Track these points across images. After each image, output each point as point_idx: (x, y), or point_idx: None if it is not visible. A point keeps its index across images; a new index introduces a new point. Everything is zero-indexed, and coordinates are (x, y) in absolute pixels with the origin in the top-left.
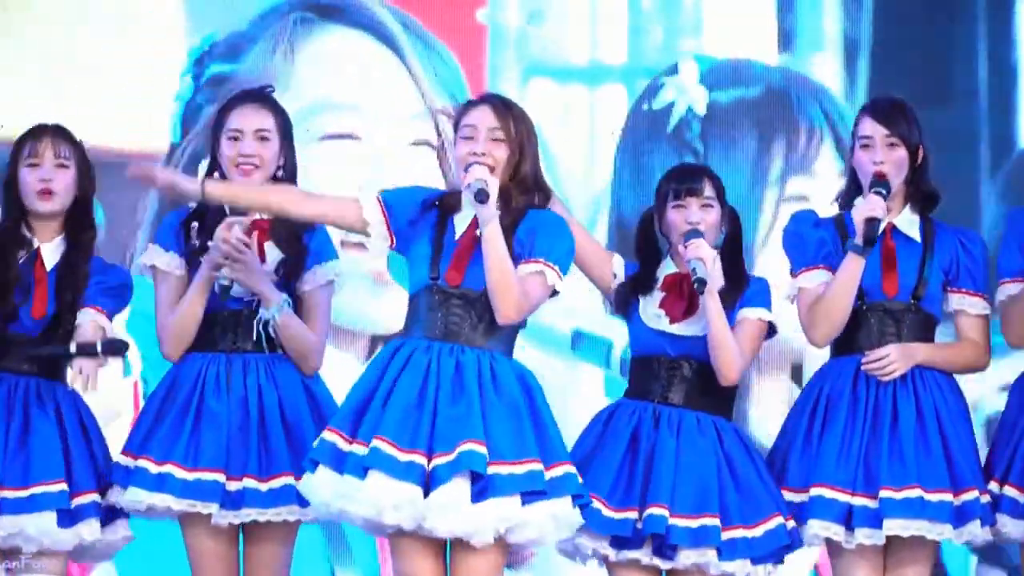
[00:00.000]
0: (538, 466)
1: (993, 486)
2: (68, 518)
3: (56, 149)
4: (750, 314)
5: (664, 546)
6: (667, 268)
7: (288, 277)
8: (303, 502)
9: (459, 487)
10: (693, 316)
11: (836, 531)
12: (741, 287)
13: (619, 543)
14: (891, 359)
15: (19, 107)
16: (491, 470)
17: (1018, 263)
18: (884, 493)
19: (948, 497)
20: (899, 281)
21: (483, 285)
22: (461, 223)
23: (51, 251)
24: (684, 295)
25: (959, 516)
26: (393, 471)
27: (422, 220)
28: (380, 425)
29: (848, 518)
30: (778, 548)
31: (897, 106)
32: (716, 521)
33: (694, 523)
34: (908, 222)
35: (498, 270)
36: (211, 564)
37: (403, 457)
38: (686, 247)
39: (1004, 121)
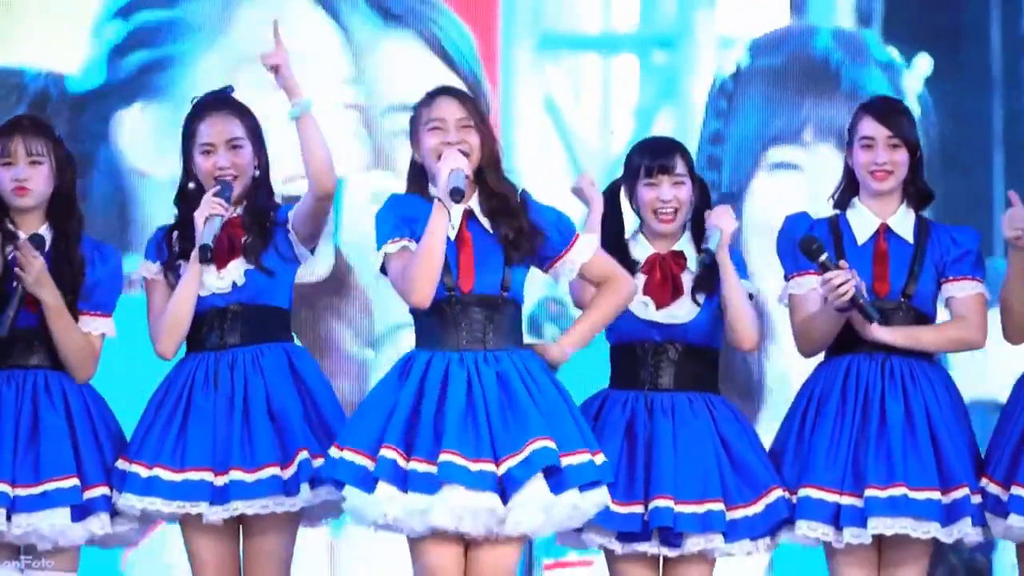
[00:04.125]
0: (591, 456)
1: (982, 482)
2: (79, 512)
3: (28, 146)
4: None
5: (671, 535)
6: (641, 247)
7: (257, 255)
8: (289, 491)
9: (537, 485)
10: (679, 299)
11: (824, 531)
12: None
13: (626, 536)
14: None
15: None
16: (563, 462)
17: None
18: (869, 492)
19: (935, 495)
20: (890, 280)
21: (496, 287)
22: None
23: None
24: (668, 277)
25: (948, 514)
26: (469, 482)
27: (417, 219)
28: (443, 439)
29: (837, 518)
30: (779, 521)
31: (897, 106)
32: (720, 505)
33: (700, 508)
34: (902, 222)
35: None
36: (210, 563)
37: (474, 467)
38: (711, 212)
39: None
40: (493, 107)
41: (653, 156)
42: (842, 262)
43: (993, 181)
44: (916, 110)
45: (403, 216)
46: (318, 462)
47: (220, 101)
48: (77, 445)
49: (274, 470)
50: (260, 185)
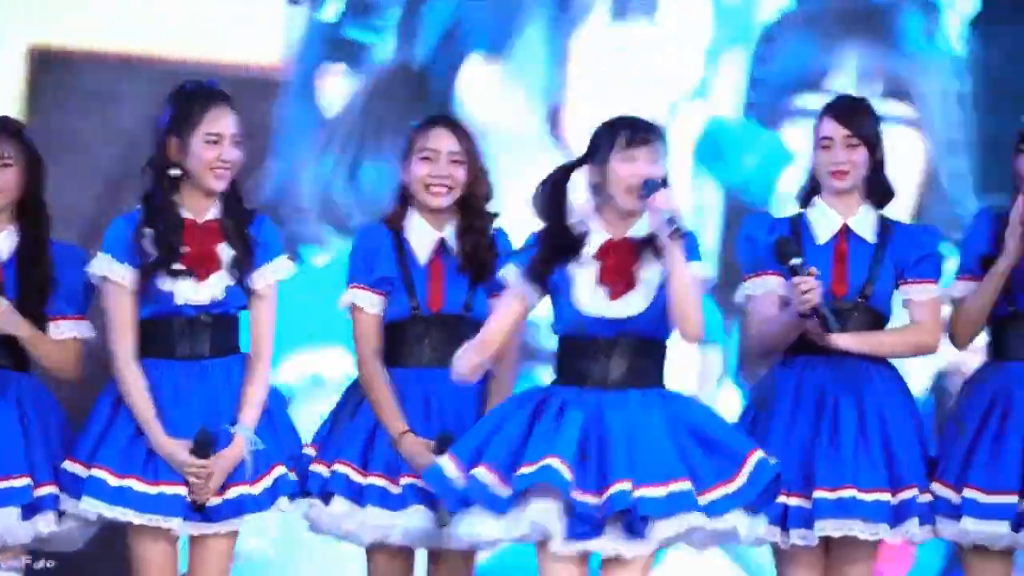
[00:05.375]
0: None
1: (933, 485)
2: (27, 511)
3: None
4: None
5: (634, 524)
6: (595, 234)
7: (241, 271)
8: (261, 507)
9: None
10: (632, 290)
11: (771, 532)
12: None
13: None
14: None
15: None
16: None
17: (973, 262)
18: (818, 494)
19: (885, 496)
20: (849, 281)
21: (460, 308)
22: (418, 243)
23: (2, 241)
24: (626, 265)
25: (896, 515)
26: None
27: (380, 252)
28: (393, 461)
29: (784, 519)
30: (769, 484)
31: (858, 105)
32: (687, 484)
33: (662, 491)
34: (863, 222)
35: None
36: (155, 565)
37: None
38: (654, 197)
39: None
40: None
41: (633, 129)
42: (812, 268)
43: None
44: (959, 50)
45: (367, 260)
46: (293, 475)
47: (220, 94)
48: (28, 443)
49: (242, 488)
50: (235, 186)
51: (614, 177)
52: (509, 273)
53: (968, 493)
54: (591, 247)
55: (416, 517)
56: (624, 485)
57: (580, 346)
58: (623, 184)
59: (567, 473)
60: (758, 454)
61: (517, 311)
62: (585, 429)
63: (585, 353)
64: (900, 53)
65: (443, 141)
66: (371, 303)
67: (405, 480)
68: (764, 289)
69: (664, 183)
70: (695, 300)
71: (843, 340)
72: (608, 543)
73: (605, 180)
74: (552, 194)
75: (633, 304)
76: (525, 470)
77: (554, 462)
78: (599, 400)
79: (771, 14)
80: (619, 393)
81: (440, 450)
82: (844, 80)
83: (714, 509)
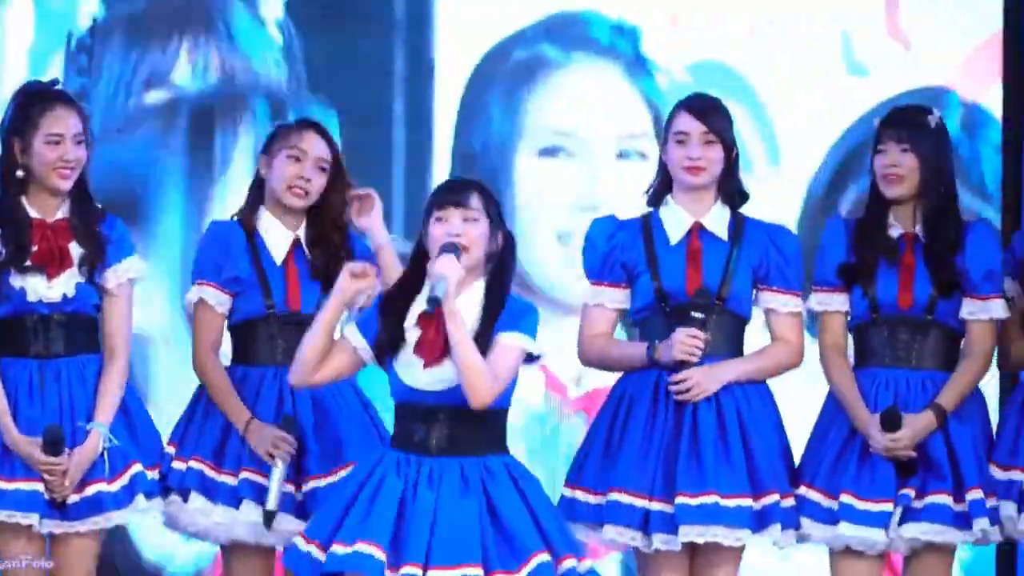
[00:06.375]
0: None
1: (801, 490)
2: None
3: None
4: (502, 339)
5: None
6: (419, 300)
7: (91, 269)
8: (119, 504)
9: None
10: (445, 360)
11: (632, 536)
12: (498, 310)
13: None
14: (694, 383)
15: None
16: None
17: (830, 273)
18: (680, 499)
19: (747, 502)
20: (703, 281)
21: (314, 307)
22: (274, 242)
23: None
24: (440, 333)
25: (759, 520)
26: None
27: (231, 251)
28: (244, 456)
29: (646, 523)
30: None
31: (714, 103)
32: (479, 571)
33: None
34: (716, 220)
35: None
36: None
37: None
38: (433, 262)
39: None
40: None
41: (445, 192)
42: (707, 336)
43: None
44: (278, 38)
45: (217, 258)
46: (151, 474)
47: (60, 94)
48: None
49: (100, 486)
50: (83, 185)
51: (430, 239)
52: (349, 333)
53: (844, 499)
54: (412, 316)
55: (248, 513)
56: (415, 570)
57: (407, 410)
58: (436, 246)
59: (379, 554)
60: (542, 556)
61: (346, 366)
62: (402, 500)
63: (410, 418)
64: (232, 44)
65: (313, 145)
66: (219, 301)
67: (243, 475)
68: (599, 300)
69: (455, 248)
70: (474, 369)
71: (728, 373)
72: None
73: (427, 242)
74: (413, 262)
75: (444, 375)
76: (339, 549)
77: (366, 548)
78: (419, 468)
79: (85, 23)
80: (438, 462)
81: (286, 428)
82: (181, 73)
83: None
